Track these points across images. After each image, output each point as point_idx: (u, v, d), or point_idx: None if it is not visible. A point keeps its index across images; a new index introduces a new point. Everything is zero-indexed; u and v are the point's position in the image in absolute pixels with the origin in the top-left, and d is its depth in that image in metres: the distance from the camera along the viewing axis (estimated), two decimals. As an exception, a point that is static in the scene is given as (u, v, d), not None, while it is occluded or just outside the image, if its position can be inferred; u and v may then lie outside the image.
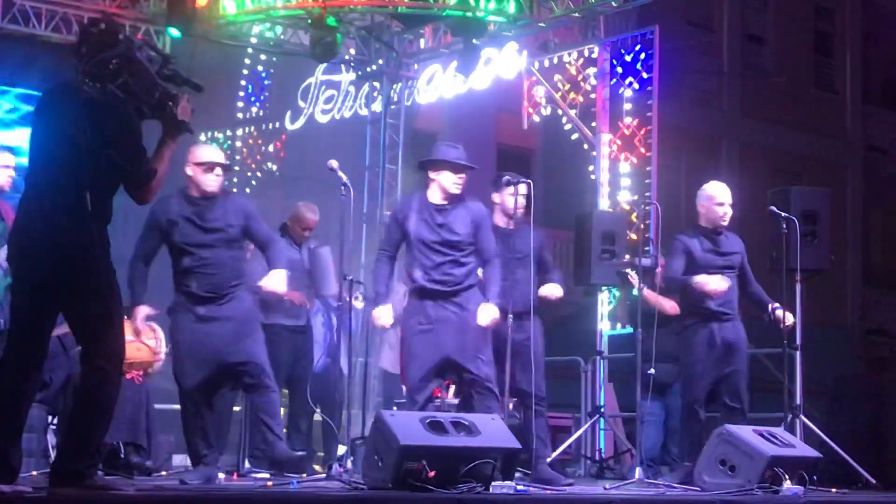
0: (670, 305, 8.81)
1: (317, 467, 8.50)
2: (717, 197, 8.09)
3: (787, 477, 6.64)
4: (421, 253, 6.98)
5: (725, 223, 8.09)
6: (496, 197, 7.64)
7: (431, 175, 7.05)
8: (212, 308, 6.76)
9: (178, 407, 6.83)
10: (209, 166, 6.83)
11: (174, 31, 10.37)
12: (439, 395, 8.22)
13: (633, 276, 8.78)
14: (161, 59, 5.08)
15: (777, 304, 8.19)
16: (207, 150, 7.04)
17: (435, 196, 7.04)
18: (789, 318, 8.22)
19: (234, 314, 6.78)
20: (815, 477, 7.08)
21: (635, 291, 8.85)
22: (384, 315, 7.03)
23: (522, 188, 7.58)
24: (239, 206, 6.93)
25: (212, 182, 6.83)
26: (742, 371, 8.00)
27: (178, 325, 6.84)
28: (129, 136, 4.96)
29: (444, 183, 7.01)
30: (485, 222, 7.08)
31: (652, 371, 7.78)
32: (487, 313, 6.91)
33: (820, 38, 23.53)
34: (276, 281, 6.90)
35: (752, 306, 8.29)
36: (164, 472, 7.92)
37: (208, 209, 6.79)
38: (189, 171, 6.84)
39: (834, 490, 7.36)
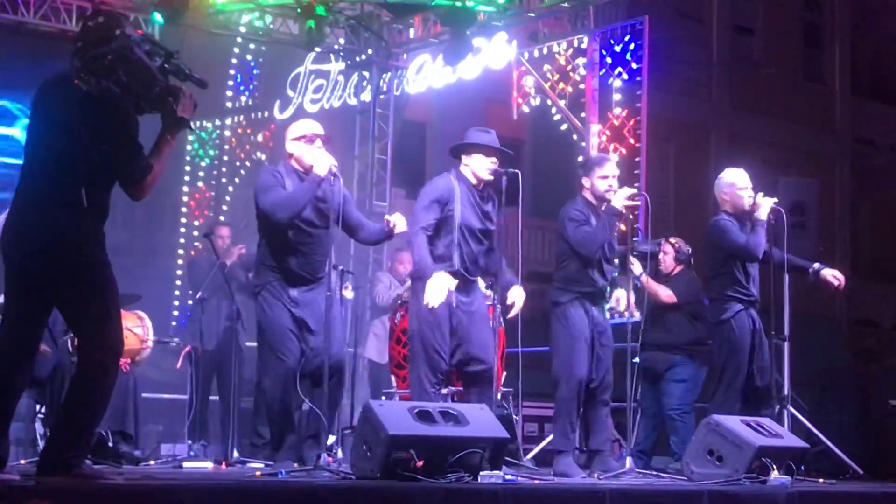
0: (666, 294, 8.83)
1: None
2: (739, 182, 8.09)
3: (774, 467, 6.64)
4: (464, 240, 6.92)
5: (749, 209, 8.07)
6: (586, 181, 7.62)
7: (465, 160, 7.03)
8: (304, 292, 6.70)
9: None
10: (310, 139, 6.79)
11: (158, 17, 10.31)
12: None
13: (634, 262, 8.79)
14: (163, 53, 5.01)
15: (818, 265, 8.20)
16: (307, 123, 6.97)
17: (471, 181, 7.01)
18: (839, 278, 8.23)
19: (323, 306, 6.64)
20: (802, 467, 7.10)
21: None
22: (447, 281, 6.66)
23: (614, 169, 7.60)
24: (337, 186, 6.79)
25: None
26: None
27: (270, 303, 6.73)
28: (125, 132, 4.91)
29: (477, 168, 6.98)
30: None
31: (636, 360, 7.79)
32: (521, 295, 6.98)
33: (809, 29, 23.53)
34: (402, 220, 6.84)
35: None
36: (152, 462, 7.93)
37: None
38: (290, 147, 6.80)
39: (821, 480, 7.37)
